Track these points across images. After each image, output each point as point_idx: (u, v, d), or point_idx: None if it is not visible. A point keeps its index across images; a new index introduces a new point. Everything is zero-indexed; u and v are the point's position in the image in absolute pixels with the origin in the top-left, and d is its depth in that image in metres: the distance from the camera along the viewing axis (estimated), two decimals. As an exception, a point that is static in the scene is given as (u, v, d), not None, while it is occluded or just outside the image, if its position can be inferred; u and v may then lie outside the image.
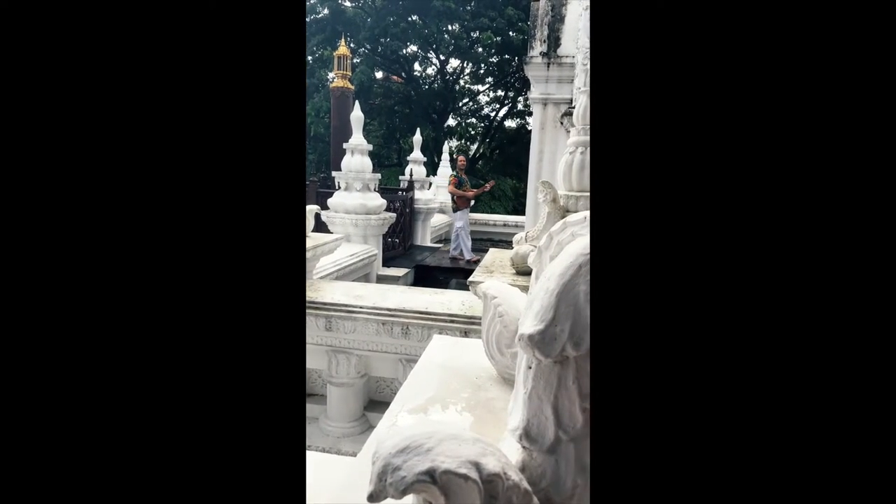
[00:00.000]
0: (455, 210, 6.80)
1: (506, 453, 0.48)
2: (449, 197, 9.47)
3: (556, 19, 4.36)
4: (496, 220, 9.56)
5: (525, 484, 0.45)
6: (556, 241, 0.88)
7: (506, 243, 7.04)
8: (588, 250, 0.52)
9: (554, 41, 4.41)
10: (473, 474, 0.41)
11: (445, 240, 9.02)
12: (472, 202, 6.91)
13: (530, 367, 0.50)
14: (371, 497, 0.41)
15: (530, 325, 0.49)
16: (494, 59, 16.46)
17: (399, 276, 5.30)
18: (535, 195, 4.54)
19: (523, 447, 0.50)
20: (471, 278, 2.32)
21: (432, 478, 0.40)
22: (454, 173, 6.92)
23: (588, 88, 2.11)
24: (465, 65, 17.14)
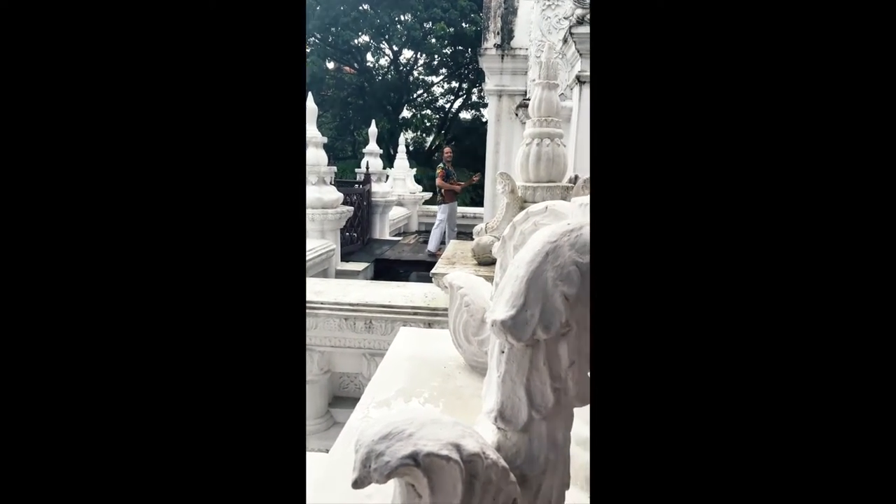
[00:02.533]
0: (440, 202, 6.67)
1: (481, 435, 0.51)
2: (406, 189, 9.43)
3: (510, 12, 4.42)
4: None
5: (503, 462, 0.47)
6: (518, 231, 0.92)
7: (465, 234, 7.09)
8: (554, 238, 0.55)
9: (507, 33, 4.47)
10: (455, 455, 0.43)
11: (404, 233, 8.99)
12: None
13: (503, 352, 0.53)
14: (355, 483, 0.42)
15: (502, 310, 0.51)
16: (448, 51, 16.43)
17: (359, 271, 5.25)
18: (493, 186, 4.60)
19: (498, 428, 0.52)
20: (434, 270, 2.34)
21: (415, 461, 0.42)
22: (442, 165, 6.77)
23: (543, 81, 2.17)
24: (418, 56, 17.02)
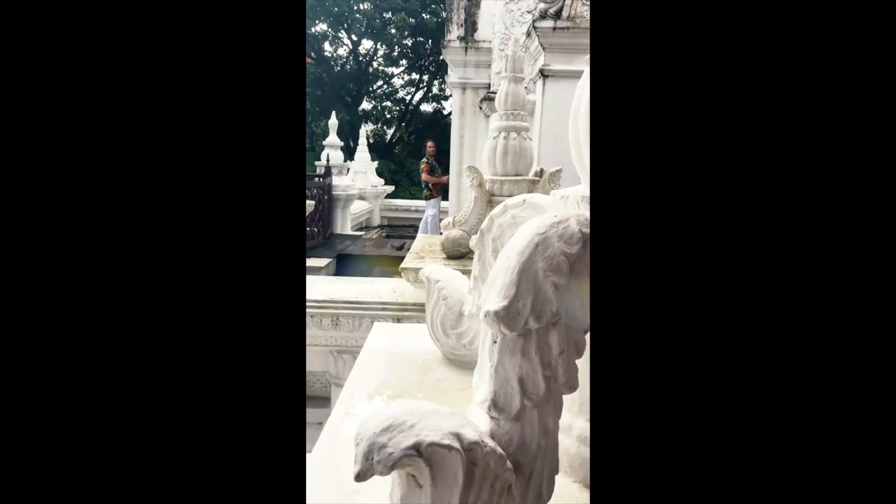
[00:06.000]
0: (429, 198, 6.58)
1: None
2: (368, 183, 9.31)
3: (473, 3, 4.42)
4: (418, 205, 9.58)
5: (499, 449, 0.48)
6: (497, 224, 0.93)
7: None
8: (543, 230, 0.56)
9: (471, 25, 4.47)
10: (456, 444, 0.43)
11: (367, 227, 8.88)
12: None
13: (495, 342, 0.54)
14: (358, 476, 0.42)
15: (495, 301, 0.52)
16: (408, 42, 16.27)
17: (321, 267, 5.15)
18: (458, 180, 4.61)
19: (491, 417, 0.53)
20: (403, 265, 2.33)
21: (418, 451, 0.42)
22: (426, 160, 6.66)
23: (509, 74, 2.19)
24: (378, 46, 16.75)
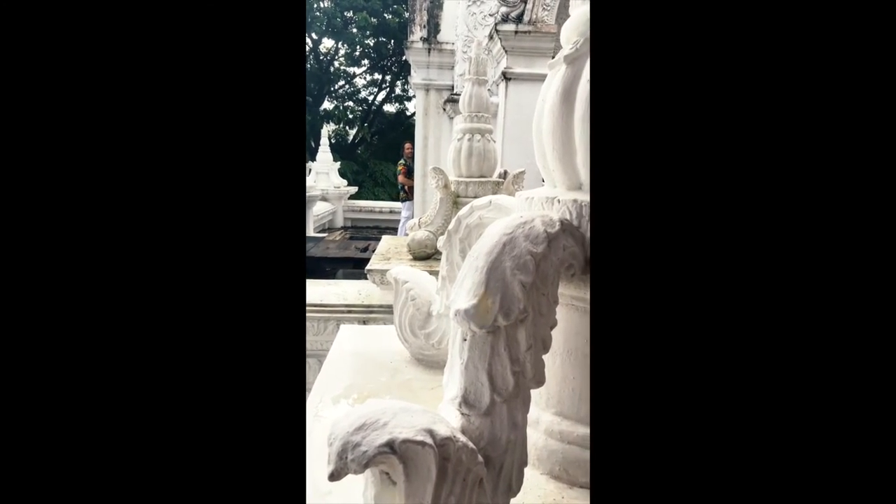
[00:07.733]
0: (404, 200, 6.51)
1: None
2: (331, 183, 9.16)
3: (435, 5, 4.43)
4: (382, 206, 9.51)
5: (471, 444, 0.49)
6: (464, 225, 0.94)
7: (393, 230, 7.03)
8: (510, 230, 0.58)
9: (434, 27, 4.48)
10: (429, 440, 0.44)
11: (329, 229, 8.74)
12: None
13: (465, 340, 0.55)
14: (332, 476, 0.42)
15: (465, 300, 0.53)
16: (370, 41, 16.13)
17: (284, 268, 5.03)
18: (423, 181, 4.61)
19: (462, 413, 0.55)
20: (369, 266, 2.32)
21: (392, 448, 0.43)
22: (403, 161, 6.58)
23: (473, 77, 2.21)
24: (339, 45, 16.52)
